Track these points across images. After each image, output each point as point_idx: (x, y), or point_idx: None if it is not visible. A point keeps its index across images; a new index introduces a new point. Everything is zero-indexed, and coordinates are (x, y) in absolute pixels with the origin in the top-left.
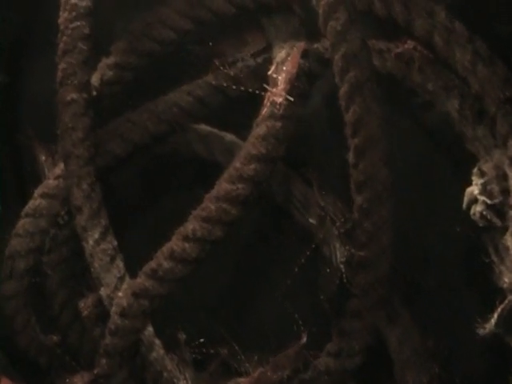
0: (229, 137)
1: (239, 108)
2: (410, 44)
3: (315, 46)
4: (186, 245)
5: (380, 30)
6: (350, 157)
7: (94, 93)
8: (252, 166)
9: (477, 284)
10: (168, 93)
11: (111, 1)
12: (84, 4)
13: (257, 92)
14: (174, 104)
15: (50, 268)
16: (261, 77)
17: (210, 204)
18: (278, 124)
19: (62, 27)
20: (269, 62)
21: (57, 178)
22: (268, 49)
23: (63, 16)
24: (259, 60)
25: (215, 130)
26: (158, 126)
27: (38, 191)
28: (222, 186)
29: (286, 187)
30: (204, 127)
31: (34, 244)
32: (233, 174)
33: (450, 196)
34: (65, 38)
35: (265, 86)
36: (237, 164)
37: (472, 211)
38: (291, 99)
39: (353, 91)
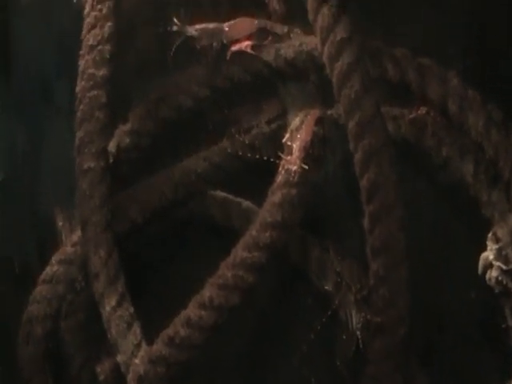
0: (245, 203)
1: (256, 174)
2: (422, 109)
3: (329, 112)
4: (203, 312)
5: (392, 95)
6: (365, 223)
7: (111, 159)
8: (268, 234)
9: (494, 349)
10: (184, 159)
11: (128, 68)
12: (101, 73)
13: (271, 160)
14: (191, 170)
15: (67, 333)
16: (276, 143)
17: (226, 271)
18: (293, 191)
19: (79, 96)
20: (283, 128)
21: (74, 244)
22: (283, 115)
23: (81, 85)
24: (273, 126)
25: (231, 196)
26: (176, 192)
27: (55, 257)
28: (238, 253)
29: (302, 252)
30: (220, 193)
31: (51, 309)
32: (249, 241)
33: (467, 259)
34: (82, 106)
35: (279, 154)
36: (253, 232)
37: (487, 276)
38: (305, 167)
39: (367, 158)
